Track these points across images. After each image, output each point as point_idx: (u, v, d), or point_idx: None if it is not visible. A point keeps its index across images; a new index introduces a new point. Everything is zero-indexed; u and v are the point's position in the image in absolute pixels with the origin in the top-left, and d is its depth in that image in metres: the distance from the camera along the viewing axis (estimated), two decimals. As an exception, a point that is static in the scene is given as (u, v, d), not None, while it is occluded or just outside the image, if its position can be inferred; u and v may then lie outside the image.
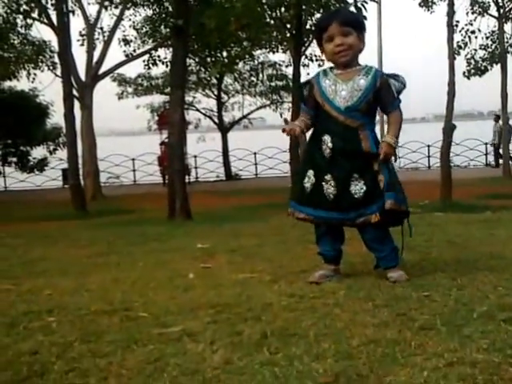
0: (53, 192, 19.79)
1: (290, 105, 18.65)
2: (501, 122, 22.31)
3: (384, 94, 3.90)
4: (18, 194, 20.59)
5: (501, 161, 22.78)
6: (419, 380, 2.25)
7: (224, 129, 28.12)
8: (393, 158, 4.08)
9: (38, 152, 24.70)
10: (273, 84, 27.78)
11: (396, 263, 3.99)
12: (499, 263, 4.27)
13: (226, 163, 26.88)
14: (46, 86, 22.32)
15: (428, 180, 14.73)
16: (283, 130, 4.02)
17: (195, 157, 25.71)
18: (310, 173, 4.00)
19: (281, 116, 26.17)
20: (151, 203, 12.64)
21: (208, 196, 14.83)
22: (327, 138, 3.92)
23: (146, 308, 3.51)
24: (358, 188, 3.87)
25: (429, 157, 25.45)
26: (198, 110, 28.87)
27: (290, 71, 23.13)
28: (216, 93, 28.60)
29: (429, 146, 25.10)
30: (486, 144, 23.67)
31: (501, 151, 22.58)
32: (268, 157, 26.05)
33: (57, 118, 23.18)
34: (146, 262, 5.11)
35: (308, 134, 4.18)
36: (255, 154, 26.38)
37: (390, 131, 3.95)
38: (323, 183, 3.93)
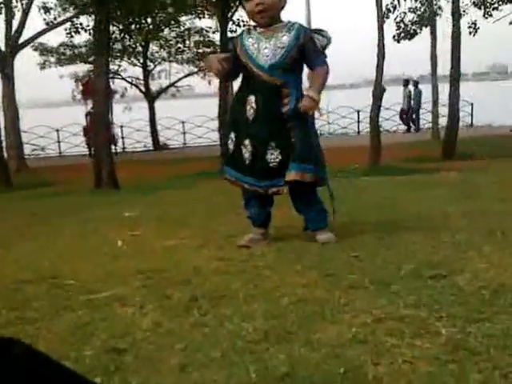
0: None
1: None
2: (410, 86, 23.27)
3: (308, 49, 3.88)
4: None
5: (412, 126, 23.93)
6: (347, 336, 2.33)
7: (151, 98, 27.66)
8: (316, 119, 4.09)
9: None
10: (200, 51, 27.42)
11: (325, 225, 4.07)
12: (427, 223, 4.40)
13: (154, 133, 26.53)
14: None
15: (357, 145, 14.95)
16: (208, 69, 3.97)
17: (122, 127, 25.26)
18: (232, 135, 4.02)
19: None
20: (77, 174, 12.41)
21: (136, 166, 14.65)
22: (251, 98, 3.91)
23: (74, 276, 3.49)
24: (273, 157, 3.89)
25: (358, 122, 25.73)
26: (123, 78, 28.25)
27: (217, 37, 22.91)
28: (142, 61, 28.05)
29: (358, 112, 25.36)
30: (409, 110, 24.18)
31: (413, 116, 23.76)
32: (196, 125, 25.85)
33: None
34: (73, 232, 5.05)
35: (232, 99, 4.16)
36: (183, 123, 26.13)
37: (313, 85, 3.92)
38: (242, 147, 3.96)
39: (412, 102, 23.48)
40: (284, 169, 3.87)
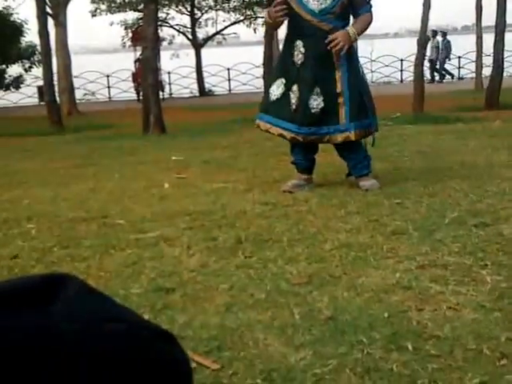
0: (29, 109, 19.51)
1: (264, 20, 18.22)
2: (438, 37, 22.77)
3: None
4: (-4, 111, 20.27)
5: (436, 77, 23.47)
6: (391, 281, 2.34)
7: (197, 45, 27.58)
8: (360, 70, 4.04)
9: (13, 70, 24.39)
10: (246, -1, 27.15)
11: (368, 171, 4.05)
12: (471, 172, 4.34)
13: (200, 79, 26.52)
14: (20, 3, 21.66)
15: (400, 94, 14.68)
16: (270, 23, 3.99)
17: (169, 73, 25.29)
18: (281, 81, 3.99)
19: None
20: (126, 119, 12.52)
21: (182, 111, 14.69)
22: (299, 43, 3.90)
23: (122, 216, 3.57)
24: (315, 103, 3.87)
25: (401, 71, 25.28)
26: (171, 26, 28.19)
27: (264, -15, 22.55)
28: (189, 9, 27.90)
29: (402, 60, 24.89)
30: (431, 60, 23.73)
31: (437, 66, 23.31)
32: (241, 72, 25.70)
33: (31, 36, 22.70)
34: (122, 174, 5.13)
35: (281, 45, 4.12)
36: (229, 69, 26.00)
37: (355, 25, 3.90)
38: (290, 93, 3.94)
39: (440, 52, 23.18)
40: (325, 116, 3.87)
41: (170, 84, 25.62)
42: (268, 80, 4.18)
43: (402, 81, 25.15)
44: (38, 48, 16.83)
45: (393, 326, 1.96)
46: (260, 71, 18.49)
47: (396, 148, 5.59)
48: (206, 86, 26.81)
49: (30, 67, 24.07)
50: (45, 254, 2.91)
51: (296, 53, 3.91)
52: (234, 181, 4.48)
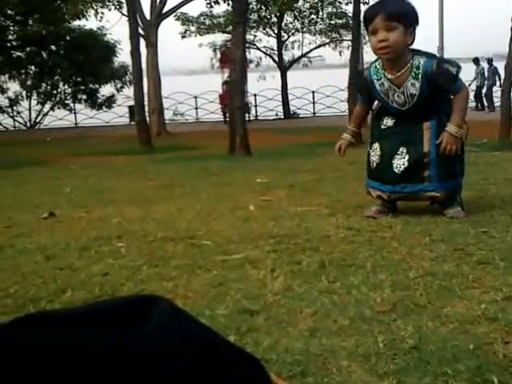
0: (120, 128, 20.23)
1: (350, 43, 18.27)
2: (483, 63, 22.95)
3: (442, 82, 3.78)
4: (88, 130, 21.18)
5: (485, 105, 23.28)
6: (477, 312, 2.29)
7: (283, 67, 27.89)
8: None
9: (106, 90, 25.38)
10: (332, 22, 27.26)
11: (453, 202, 3.99)
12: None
13: (285, 102, 26.76)
14: (113, 24, 22.58)
15: (487, 119, 14.36)
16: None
17: (255, 95, 25.65)
18: (376, 145, 4.05)
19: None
20: (212, 140, 12.79)
21: (267, 133, 14.85)
22: (388, 119, 3.99)
23: (209, 236, 3.65)
24: (400, 163, 3.90)
25: (482, 97, 24.71)
26: (258, 48, 28.65)
27: (349, 9, 22.59)
28: (276, 31, 28.27)
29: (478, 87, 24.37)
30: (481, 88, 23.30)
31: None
32: (326, 95, 25.77)
33: (123, 56, 23.59)
34: (209, 194, 5.25)
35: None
36: (313, 92, 26.13)
37: (453, 118, 3.82)
38: (370, 151, 4.06)
39: (486, 80, 22.91)
40: (410, 176, 3.89)
41: (255, 106, 25.96)
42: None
43: (483, 107, 24.62)
44: (130, 68, 17.42)
45: (478, 359, 1.92)
46: (345, 94, 18.50)
47: (482, 175, 5.48)
48: (291, 108, 27.00)
49: (122, 87, 24.99)
50: (134, 273, 3.02)
51: (384, 122, 4.01)
52: (318, 204, 4.51)
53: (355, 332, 2.19)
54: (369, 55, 16.64)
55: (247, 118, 14.75)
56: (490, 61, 23.44)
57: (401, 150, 3.90)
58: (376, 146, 4.03)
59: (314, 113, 26.17)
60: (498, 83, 22.48)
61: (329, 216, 4.10)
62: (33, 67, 24.96)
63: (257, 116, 25.61)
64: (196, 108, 25.69)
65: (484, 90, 23.54)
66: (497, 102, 21.06)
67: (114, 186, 6.22)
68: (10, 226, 4.36)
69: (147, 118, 14.70)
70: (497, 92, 22.85)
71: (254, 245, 3.42)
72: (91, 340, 0.47)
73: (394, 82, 3.87)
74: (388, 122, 3.99)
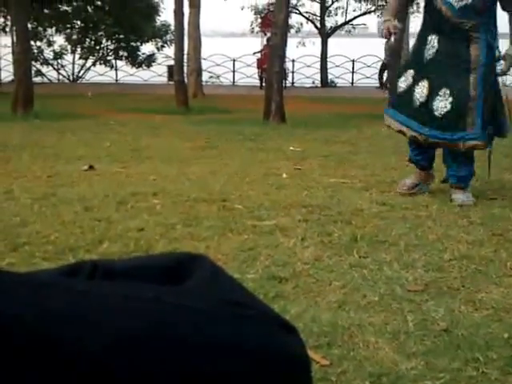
0: (158, 87, 20.26)
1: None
2: None
3: None
4: (127, 87, 21.28)
5: None
6: (513, 300, 2.25)
7: (325, 34, 27.48)
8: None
9: (146, 48, 25.49)
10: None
11: (465, 185, 3.75)
12: None
13: (323, 70, 26.43)
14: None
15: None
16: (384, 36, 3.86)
17: (293, 61, 25.38)
18: (409, 73, 3.80)
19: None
20: (248, 104, 12.71)
21: (302, 101, 14.72)
22: (434, 38, 3.68)
23: (241, 201, 3.65)
24: (441, 105, 3.62)
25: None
26: (300, 13, 28.24)
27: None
28: (321, -4, 27.81)
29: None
30: None
31: None
32: (366, 65, 25.37)
33: (165, 15, 23.51)
34: (242, 159, 5.23)
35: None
36: (353, 61, 25.75)
37: None
38: (416, 87, 3.73)
39: None
40: (451, 121, 3.61)
41: (293, 72, 25.72)
42: (397, 71, 4.02)
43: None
44: (172, 28, 17.33)
45: None
46: (385, 66, 18.20)
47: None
48: (329, 76, 26.68)
49: (163, 46, 25.02)
50: (168, 230, 3.04)
51: (428, 47, 3.70)
52: (352, 177, 4.46)
53: (384, 309, 2.17)
54: (414, 24, 16.25)
55: (283, 85, 14.63)
56: None
57: (444, 90, 3.63)
58: (411, 73, 3.75)
59: (352, 83, 25.82)
60: None
61: (362, 190, 4.05)
62: (78, 22, 25.11)
63: (293, 83, 25.36)
64: (233, 71, 25.54)
65: None
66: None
67: (150, 143, 6.24)
68: (53, 176, 4.43)
69: (185, 79, 14.65)
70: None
71: (285, 212, 3.41)
72: (131, 290, 0.46)
73: None
74: (431, 49, 3.68)
